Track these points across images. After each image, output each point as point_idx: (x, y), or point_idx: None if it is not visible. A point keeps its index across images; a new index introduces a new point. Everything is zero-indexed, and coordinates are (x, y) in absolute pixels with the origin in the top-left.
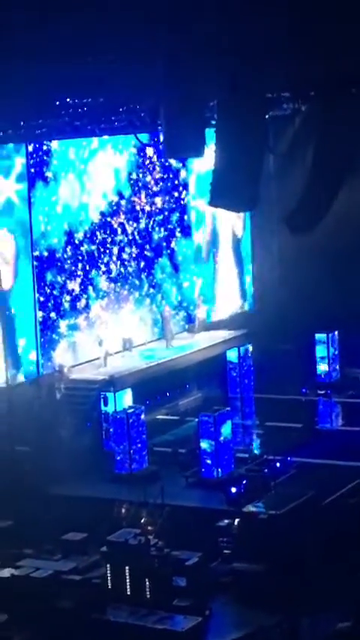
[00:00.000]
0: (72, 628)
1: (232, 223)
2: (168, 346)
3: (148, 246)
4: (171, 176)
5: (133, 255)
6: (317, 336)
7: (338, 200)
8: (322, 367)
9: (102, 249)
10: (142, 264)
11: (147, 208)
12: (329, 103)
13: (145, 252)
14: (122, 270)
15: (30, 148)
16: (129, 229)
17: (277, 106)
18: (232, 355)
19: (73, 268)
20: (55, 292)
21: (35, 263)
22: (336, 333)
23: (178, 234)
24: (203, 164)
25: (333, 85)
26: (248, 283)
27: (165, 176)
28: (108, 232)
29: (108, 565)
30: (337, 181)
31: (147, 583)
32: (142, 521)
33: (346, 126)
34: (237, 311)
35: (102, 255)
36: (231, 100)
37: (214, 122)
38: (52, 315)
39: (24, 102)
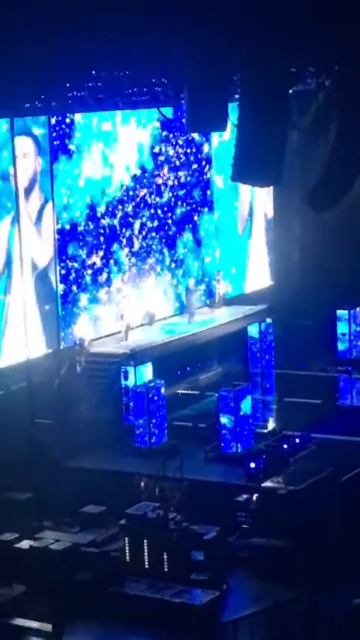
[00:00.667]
0: (90, 600)
1: (264, 200)
2: (190, 321)
3: (170, 221)
4: (194, 150)
5: (155, 230)
6: (338, 312)
7: None
8: (343, 344)
9: (124, 223)
10: (164, 238)
11: (169, 182)
12: (353, 78)
13: (167, 227)
14: (144, 244)
15: (53, 121)
16: (151, 203)
17: (301, 80)
18: (253, 330)
19: (95, 242)
20: (76, 265)
21: (57, 236)
22: (358, 309)
23: (200, 209)
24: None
25: (357, 59)
26: (270, 259)
27: (188, 150)
28: (130, 206)
29: (126, 538)
30: (359, 158)
31: (165, 556)
32: (161, 494)
33: None
34: (261, 286)
35: (124, 229)
36: (254, 74)
37: (237, 96)
38: (74, 288)
39: (48, 73)
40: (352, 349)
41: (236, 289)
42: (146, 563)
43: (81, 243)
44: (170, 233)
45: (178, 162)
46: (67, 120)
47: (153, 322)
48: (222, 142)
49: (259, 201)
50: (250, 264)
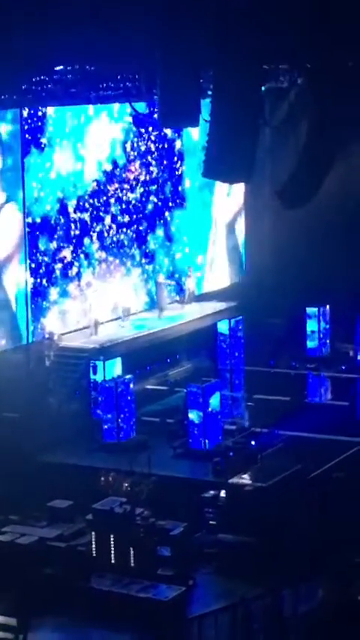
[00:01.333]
0: (56, 595)
1: (224, 198)
2: (160, 316)
3: (141, 216)
4: (166, 146)
5: (126, 225)
6: (308, 310)
7: (332, 175)
8: (312, 341)
9: (95, 218)
10: (135, 233)
11: (141, 178)
12: (325, 76)
13: (139, 222)
14: (115, 239)
15: (25, 114)
16: (123, 198)
17: (274, 78)
18: (223, 327)
19: (66, 236)
20: (46, 259)
21: (27, 230)
22: (327, 307)
23: (172, 205)
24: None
25: (330, 57)
26: (240, 256)
27: (160, 146)
28: (101, 201)
29: (93, 533)
30: (331, 155)
31: (131, 552)
32: (128, 490)
33: (341, 99)
34: (230, 283)
35: (94, 224)
36: (228, 71)
37: (209, 92)
38: (44, 282)
39: (20, 67)
40: (321, 347)
41: (206, 286)
42: (113, 558)
43: (51, 238)
44: (141, 228)
45: (150, 158)
46: (40, 113)
47: (128, 316)
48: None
49: (219, 199)
50: (218, 261)
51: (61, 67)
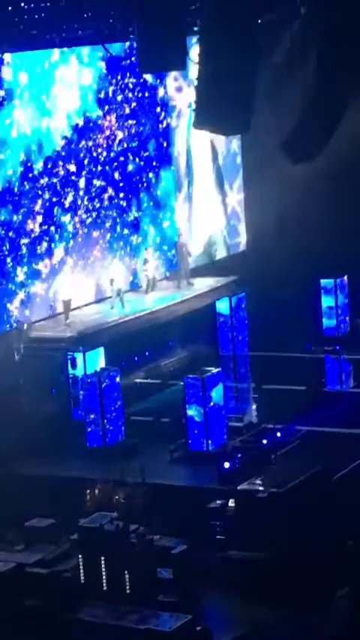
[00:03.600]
0: (39, 630)
1: (210, 144)
2: (181, 287)
3: (121, 179)
4: (147, 95)
5: (104, 190)
6: (323, 282)
7: (344, 121)
8: (329, 319)
9: (66, 183)
10: (115, 200)
11: (119, 134)
12: (333, 4)
13: (118, 186)
14: (90, 206)
15: None
16: (98, 159)
17: (272, 7)
18: (223, 306)
19: (32, 205)
20: (10, 234)
21: None
22: (345, 278)
23: (156, 164)
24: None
25: None
26: (240, 220)
27: (140, 95)
28: (73, 162)
29: (80, 555)
30: (343, 97)
31: (126, 576)
32: (120, 503)
33: (352, 29)
34: (222, 254)
35: (66, 190)
36: (216, 2)
37: (196, 29)
38: (8, 261)
39: None
40: (340, 325)
41: (199, 259)
42: (104, 584)
43: (15, 208)
44: (122, 194)
45: (128, 110)
46: None
47: (122, 297)
48: None
49: (198, 149)
50: (194, 228)
51: (20, 5)
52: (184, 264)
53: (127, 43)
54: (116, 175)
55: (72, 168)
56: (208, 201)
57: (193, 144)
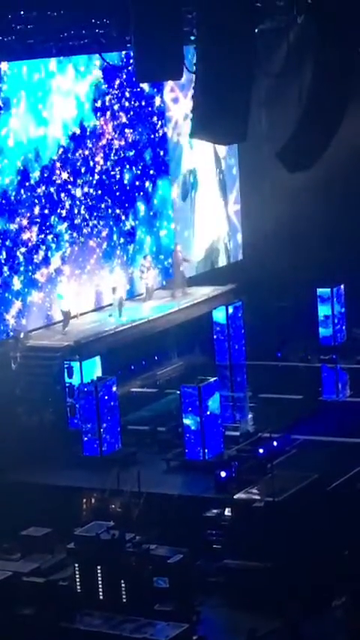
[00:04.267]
0: (35, 639)
1: (212, 157)
2: (176, 296)
3: (117, 188)
4: (144, 104)
5: (101, 199)
6: (319, 291)
7: (343, 129)
8: (326, 328)
9: (63, 192)
10: (111, 209)
11: (115, 143)
12: (331, 13)
13: (115, 195)
14: (87, 216)
15: None
16: (95, 168)
17: (269, 17)
18: (219, 315)
19: (29, 214)
20: (7, 243)
21: None
22: (342, 287)
23: (153, 173)
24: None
25: None
26: (236, 229)
27: (137, 104)
28: (70, 171)
29: (76, 565)
30: (340, 106)
31: (123, 585)
32: (116, 512)
33: (349, 38)
34: (223, 262)
35: (63, 199)
36: (213, 11)
37: (193, 37)
38: (5, 269)
39: None
40: (337, 334)
41: (192, 268)
42: (101, 593)
43: (12, 217)
44: (118, 203)
45: (125, 119)
46: None
47: (121, 306)
48: None
49: (203, 158)
50: (197, 238)
51: (18, 14)
52: (179, 273)
53: (124, 52)
54: (113, 184)
55: (68, 177)
56: (210, 209)
57: (196, 153)
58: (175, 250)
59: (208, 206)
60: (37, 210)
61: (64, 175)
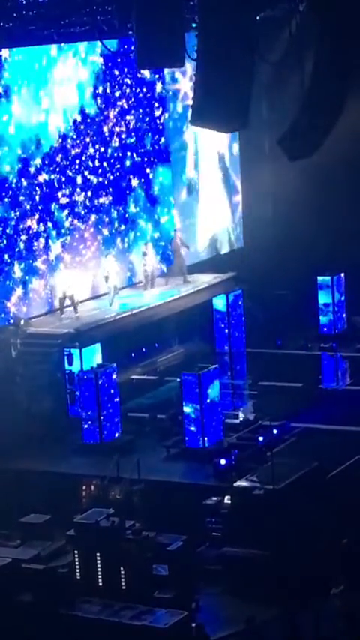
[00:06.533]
0: (35, 625)
1: (217, 144)
2: (177, 284)
3: (118, 175)
4: (145, 90)
5: (101, 186)
6: (320, 279)
7: (344, 117)
8: (326, 316)
9: (63, 179)
10: (112, 196)
11: (116, 129)
12: (331, 1)
13: (115, 182)
14: (88, 203)
15: None
16: (95, 155)
17: (270, 4)
18: (220, 303)
19: (30, 202)
20: (8, 231)
21: None
22: (342, 275)
23: (153, 160)
24: None
25: None
26: (238, 217)
27: (137, 90)
28: (70, 158)
29: (76, 551)
30: (341, 94)
31: (122, 572)
32: (115, 499)
33: (350, 27)
34: (226, 249)
35: (64, 186)
36: None
37: (195, 25)
38: (5, 257)
39: None
40: (337, 322)
41: (195, 256)
42: (100, 580)
43: (13, 204)
44: (119, 190)
45: (126, 105)
46: None
47: (115, 294)
48: None
49: (206, 146)
50: (200, 226)
51: (18, 0)
52: (179, 260)
53: (124, 39)
54: (114, 171)
55: (69, 164)
56: (215, 197)
57: (200, 140)
58: (174, 236)
59: (211, 194)
60: (37, 197)
61: (65, 163)
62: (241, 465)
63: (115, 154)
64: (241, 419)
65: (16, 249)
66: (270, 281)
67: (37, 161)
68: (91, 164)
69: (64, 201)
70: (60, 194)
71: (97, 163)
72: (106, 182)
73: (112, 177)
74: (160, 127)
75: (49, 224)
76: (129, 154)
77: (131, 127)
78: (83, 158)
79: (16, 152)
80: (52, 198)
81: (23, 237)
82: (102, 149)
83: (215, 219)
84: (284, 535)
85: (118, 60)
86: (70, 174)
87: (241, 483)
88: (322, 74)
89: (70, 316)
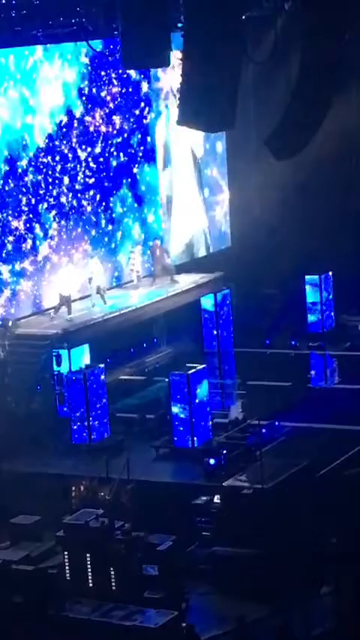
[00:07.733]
0: (24, 626)
1: (190, 143)
2: (164, 284)
3: (105, 175)
4: (131, 90)
5: (88, 186)
6: (308, 277)
7: (331, 116)
8: (314, 315)
9: (50, 180)
10: (99, 196)
11: (102, 129)
12: (317, 0)
13: (102, 182)
14: (75, 203)
15: None
16: (82, 155)
17: (256, 4)
18: (208, 303)
19: (16, 203)
20: None
21: None
22: (330, 274)
23: (140, 159)
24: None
25: None
26: (224, 216)
27: (123, 90)
28: (57, 159)
29: (65, 552)
30: (327, 96)
31: (112, 572)
32: (105, 500)
33: (336, 26)
34: (202, 253)
35: (50, 187)
36: None
37: (180, 25)
38: None
39: None
40: (325, 321)
41: (183, 255)
42: (90, 581)
43: (0, 206)
44: (106, 190)
45: (112, 105)
46: None
47: (103, 294)
48: None
49: (179, 145)
50: (174, 226)
51: (2, 1)
52: (161, 267)
53: (110, 40)
54: (100, 171)
55: (56, 165)
56: (189, 199)
57: (172, 141)
58: (153, 245)
59: (186, 197)
60: (24, 199)
61: (52, 163)
62: (230, 464)
63: (102, 154)
64: (230, 418)
65: (4, 251)
66: (258, 280)
67: (24, 162)
68: (77, 165)
69: (51, 201)
70: (47, 195)
71: (83, 164)
72: (92, 182)
73: (98, 178)
74: (147, 127)
75: (37, 225)
76: (115, 153)
77: (117, 127)
78: (70, 158)
79: (3, 153)
80: (38, 199)
81: (10, 238)
82: (88, 149)
83: (191, 220)
84: (274, 534)
85: (105, 59)
86: (57, 174)
87: (231, 483)
88: (308, 73)
89: (63, 317)
